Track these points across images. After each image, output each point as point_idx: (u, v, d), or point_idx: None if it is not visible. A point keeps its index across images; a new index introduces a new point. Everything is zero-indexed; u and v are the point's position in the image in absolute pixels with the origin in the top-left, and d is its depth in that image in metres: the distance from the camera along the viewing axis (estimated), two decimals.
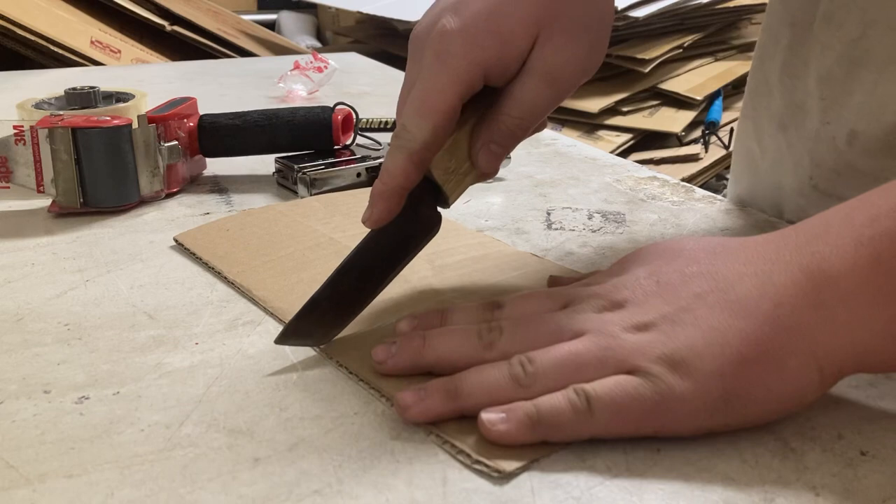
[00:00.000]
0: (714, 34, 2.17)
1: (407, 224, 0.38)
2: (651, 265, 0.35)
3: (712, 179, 1.89)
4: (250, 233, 0.51)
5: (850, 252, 0.30)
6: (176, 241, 0.51)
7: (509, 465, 0.29)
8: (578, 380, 0.31)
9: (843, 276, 0.30)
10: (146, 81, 1.05)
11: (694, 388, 0.30)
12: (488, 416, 0.31)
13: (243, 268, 0.46)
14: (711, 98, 2.01)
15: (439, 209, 0.40)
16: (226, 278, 0.45)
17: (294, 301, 0.42)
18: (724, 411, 0.30)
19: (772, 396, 0.31)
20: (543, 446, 0.30)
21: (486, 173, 0.40)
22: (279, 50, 1.78)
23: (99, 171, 0.55)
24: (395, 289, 0.42)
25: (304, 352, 0.38)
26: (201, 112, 0.63)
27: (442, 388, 0.32)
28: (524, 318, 0.35)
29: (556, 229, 0.54)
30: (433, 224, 0.39)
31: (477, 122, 0.39)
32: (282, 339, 0.37)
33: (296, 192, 0.60)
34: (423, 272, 0.44)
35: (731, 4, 2.14)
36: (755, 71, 0.59)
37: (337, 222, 0.52)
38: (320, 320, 0.37)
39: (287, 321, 0.40)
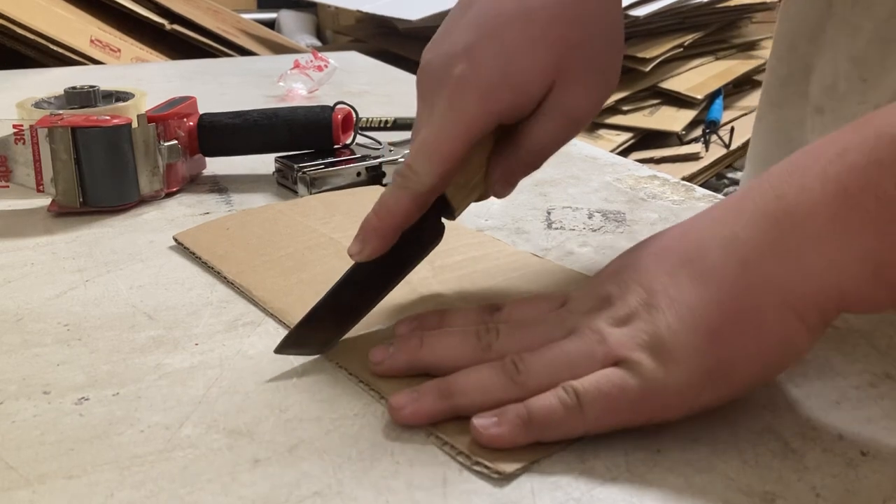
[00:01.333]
0: (714, 33, 2.17)
1: (411, 234, 0.38)
2: (631, 255, 0.35)
3: (713, 178, 1.89)
4: (250, 232, 0.51)
5: (816, 190, 0.30)
6: (175, 240, 0.50)
7: (509, 467, 0.29)
8: (569, 377, 0.31)
9: (809, 217, 0.29)
10: (146, 80, 1.05)
11: (676, 370, 0.30)
12: (480, 421, 0.31)
13: (243, 268, 0.46)
14: (712, 97, 2.01)
15: (444, 220, 0.40)
16: (225, 278, 0.45)
17: (293, 302, 0.42)
18: (711, 387, 0.30)
19: (755, 359, 0.30)
20: (543, 447, 0.30)
21: (500, 197, 0.41)
22: (279, 49, 1.78)
23: (98, 170, 0.54)
24: (396, 290, 0.42)
25: None
26: (201, 111, 0.63)
27: (434, 389, 0.32)
28: (521, 320, 0.36)
29: (557, 229, 0.54)
30: (437, 235, 0.40)
31: (493, 152, 0.39)
32: (281, 349, 0.37)
33: (296, 192, 0.60)
34: (423, 273, 0.44)
35: (731, 3, 2.14)
36: (779, 60, 0.59)
37: (337, 222, 0.52)
38: (319, 329, 0.37)
39: (287, 321, 0.40)
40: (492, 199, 0.41)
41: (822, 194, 0.29)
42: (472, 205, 0.41)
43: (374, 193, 0.58)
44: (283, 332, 0.39)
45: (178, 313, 0.42)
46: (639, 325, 0.31)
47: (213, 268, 0.47)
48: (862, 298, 0.30)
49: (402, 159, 0.62)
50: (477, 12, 0.37)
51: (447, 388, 0.32)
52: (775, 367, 0.31)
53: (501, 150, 0.39)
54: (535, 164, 0.40)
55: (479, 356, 0.34)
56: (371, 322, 0.39)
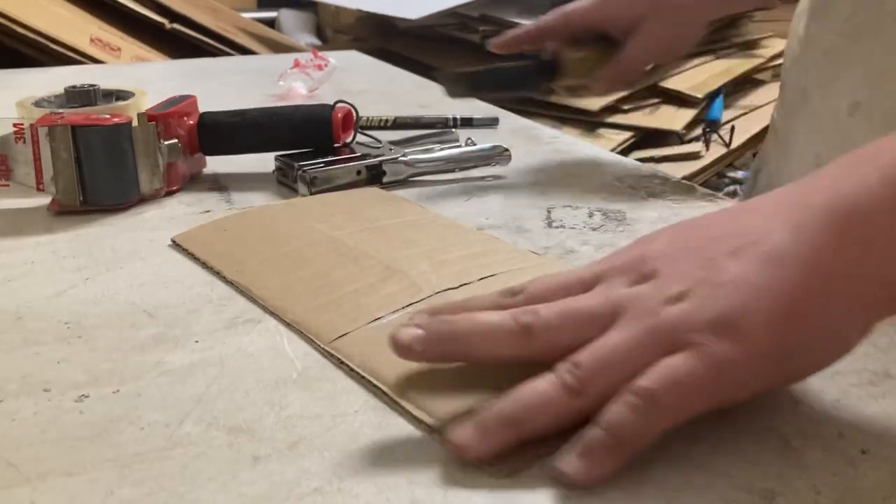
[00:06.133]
0: (714, 32, 2.16)
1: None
2: (670, 235, 0.34)
3: (713, 177, 1.89)
4: (247, 232, 0.51)
5: (877, 189, 0.30)
6: (174, 241, 0.50)
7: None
8: (629, 371, 0.29)
9: (874, 212, 0.30)
10: (146, 79, 1.05)
11: (746, 349, 0.29)
12: (571, 468, 0.28)
13: (241, 266, 0.46)
14: (712, 96, 2.01)
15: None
16: (224, 277, 0.45)
17: (293, 299, 0.41)
18: (781, 368, 0.30)
19: (821, 345, 0.30)
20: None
21: (596, 95, 0.59)
22: (279, 48, 1.78)
23: (99, 169, 0.54)
24: (394, 283, 0.42)
25: (304, 350, 0.38)
26: (201, 110, 0.63)
27: (499, 419, 0.30)
28: (556, 303, 0.33)
29: (557, 227, 0.54)
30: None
31: (603, 62, 0.63)
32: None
33: (296, 191, 0.60)
34: (421, 267, 0.44)
35: None
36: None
37: (335, 221, 0.52)
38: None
39: (287, 319, 0.40)
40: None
41: (884, 194, 0.30)
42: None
43: (371, 193, 0.59)
44: (282, 330, 0.40)
45: (178, 311, 0.42)
46: (698, 304, 0.30)
47: (212, 268, 0.47)
48: None
49: (402, 158, 0.62)
50: None
51: (513, 415, 0.30)
52: (832, 355, 0.31)
53: (608, 60, 0.62)
54: (628, 74, 0.62)
55: (521, 341, 0.31)
56: (369, 314, 0.39)
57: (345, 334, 0.38)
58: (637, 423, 0.29)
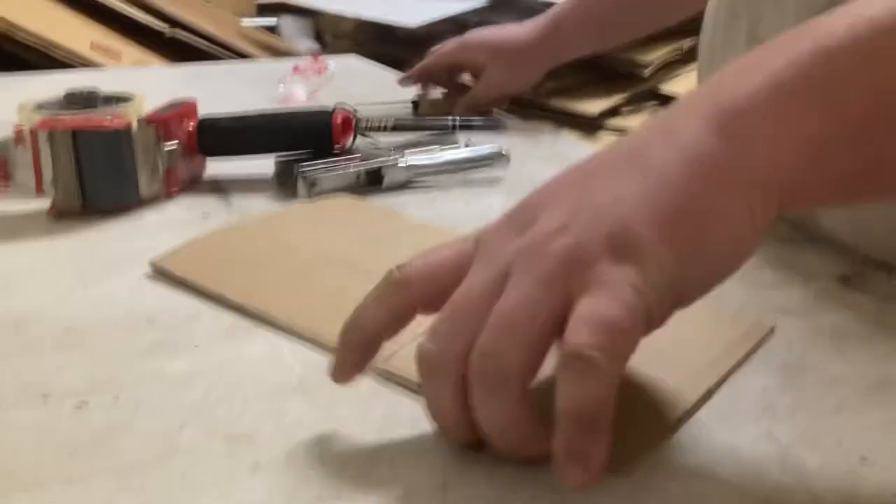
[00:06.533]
0: None
1: None
2: (553, 179, 0.32)
3: None
4: (238, 253, 0.48)
5: (748, 88, 0.30)
6: (154, 266, 0.46)
7: None
8: (538, 330, 0.27)
9: (746, 107, 0.29)
10: (146, 84, 1.05)
11: (647, 264, 0.27)
12: (567, 476, 0.27)
13: (249, 288, 0.43)
14: None
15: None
16: (230, 302, 0.42)
17: (322, 319, 0.38)
18: (682, 280, 0.28)
19: (718, 242, 0.29)
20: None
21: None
22: (279, 53, 1.78)
23: (99, 172, 0.54)
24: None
25: (304, 357, 0.38)
26: (201, 114, 0.63)
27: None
28: (443, 311, 0.30)
29: None
30: None
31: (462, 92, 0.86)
32: None
33: (296, 194, 0.60)
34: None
35: None
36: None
37: (322, 234, 0.51)
38: None
39: (323, 342, 0.38)
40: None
41: (757, 89, 0.30)
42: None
43: (340, 202, 0.57)
44: (281, 337, 0.39)
45: (177, 317, 0.42)
46: (581, 231, 0.28)
47: (209, 292, 0.43)
48: (800, 190, 0.30)
49: (402, 161, 0.62)
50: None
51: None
52: (726, 267, 0.30)
53: (454, 100, 0.85)
54: (477, 106, 0.83)
55: (423, 367, 0.30)
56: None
57: (393, 354, 0.35)
58: (588, 393, 0.26)
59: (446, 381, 0.29)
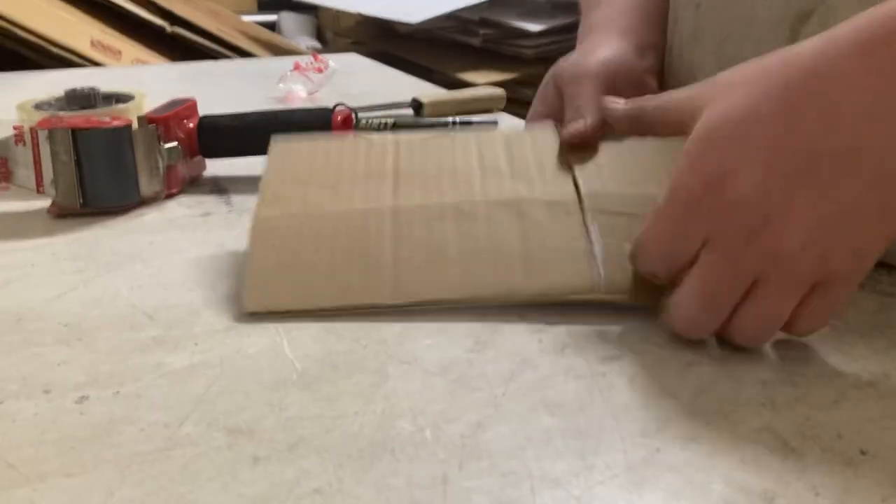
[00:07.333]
0: None
1: None
2: (753, 153, 0.33)
3: None
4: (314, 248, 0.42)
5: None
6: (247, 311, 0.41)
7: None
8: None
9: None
10: (146, 82, 1.05)
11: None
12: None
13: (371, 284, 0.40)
14: None
15: None
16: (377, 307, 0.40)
17: (479, 279, 0.39)
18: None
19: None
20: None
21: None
22: (279, 51, 1.78)
23: (99, 171, 0.55)
24: (540, 212, 0.43)
25: (304, 352, 0.38)
26: (201, 113, 0.63)
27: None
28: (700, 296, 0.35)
29: None
30: None
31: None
32: None
33: None
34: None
35: None
36: None
37: (394, 191, 0.46)
38: None
39: (504, 299, 0.39)
40: None
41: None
42: None
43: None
44: (282, 331, 0.39)
45: (178, 313, 0.42)
46: (829, 247, 0.33)
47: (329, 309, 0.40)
48: None
49: None
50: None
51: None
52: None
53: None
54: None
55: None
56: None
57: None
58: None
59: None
